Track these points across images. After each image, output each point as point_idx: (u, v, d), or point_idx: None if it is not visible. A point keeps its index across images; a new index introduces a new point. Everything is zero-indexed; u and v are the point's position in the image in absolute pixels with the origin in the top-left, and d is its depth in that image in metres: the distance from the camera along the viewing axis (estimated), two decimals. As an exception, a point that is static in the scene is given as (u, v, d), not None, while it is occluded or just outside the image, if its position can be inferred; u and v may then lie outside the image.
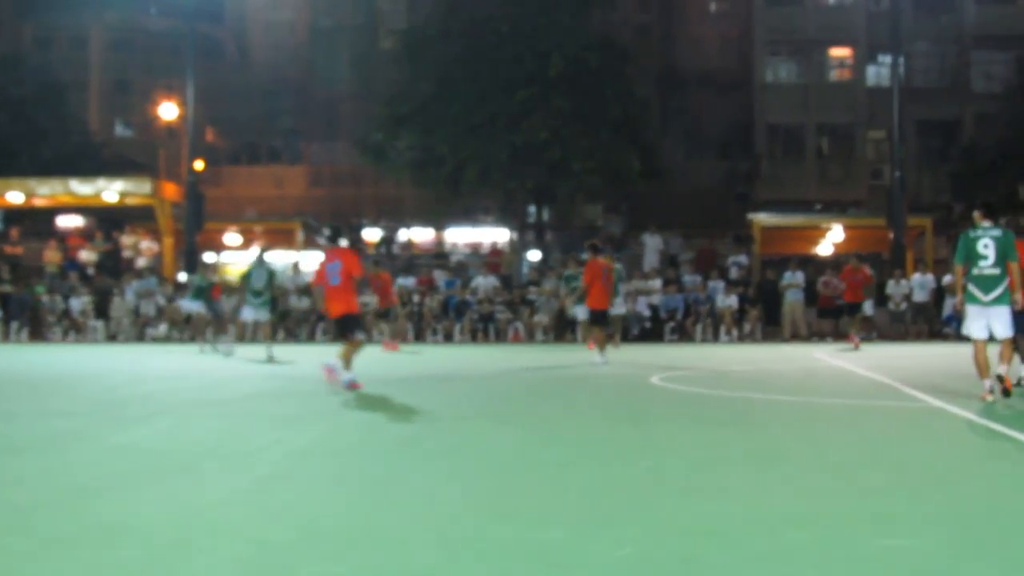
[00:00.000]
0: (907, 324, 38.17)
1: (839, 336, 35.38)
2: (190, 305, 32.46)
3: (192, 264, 41.96)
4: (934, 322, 38.12)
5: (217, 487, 8.50)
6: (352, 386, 16.62)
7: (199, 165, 49.07)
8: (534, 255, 49.09)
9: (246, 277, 27.27)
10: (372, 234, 51.25)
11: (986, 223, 14.75)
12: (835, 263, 39.47)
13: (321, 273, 17.16)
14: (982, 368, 14.75)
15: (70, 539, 6.72)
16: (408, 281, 40.57)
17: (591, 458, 10.23)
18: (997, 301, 14.47)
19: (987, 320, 14.59)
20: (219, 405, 15.21)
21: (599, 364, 23.50)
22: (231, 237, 50.47)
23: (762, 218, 47.12)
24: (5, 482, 8.86)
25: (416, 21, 53.93)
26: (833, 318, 36.87)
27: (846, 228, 47.16)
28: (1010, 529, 7.02)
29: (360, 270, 17.24)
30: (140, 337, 38.48)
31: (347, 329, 17.17)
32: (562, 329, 37.92)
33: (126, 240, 43.92)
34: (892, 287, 38.16)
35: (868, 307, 34.15)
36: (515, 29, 45.28)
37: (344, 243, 18.49)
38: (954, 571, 6.02)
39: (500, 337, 37.98)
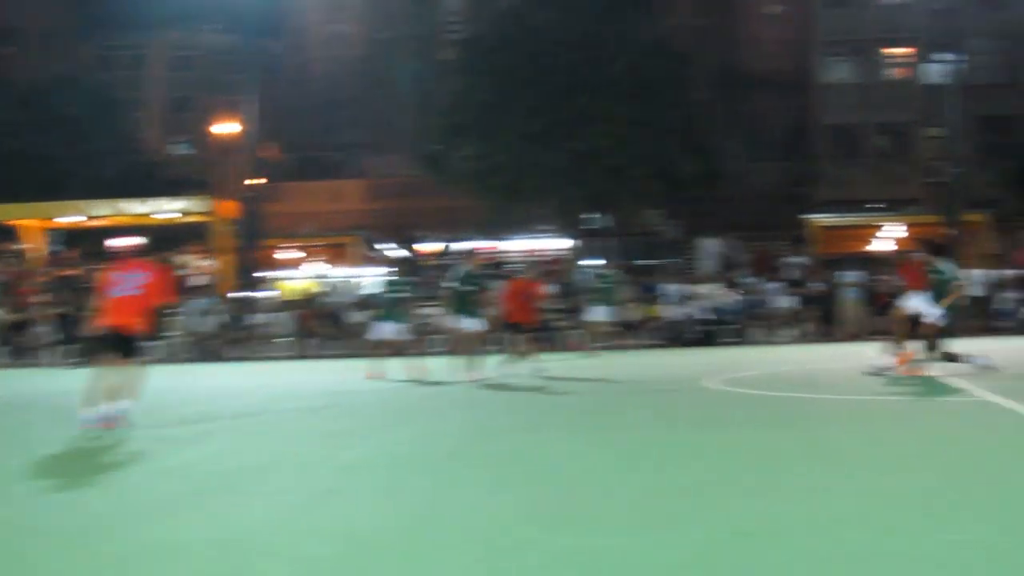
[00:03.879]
0: (965, 319, 38.01)
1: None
2: None
3: (249, 281, 42.16)
4: (989, 316, 37.93)
5: (268, 504, 8.59)
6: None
7: (257, 181, 49.35)
8: (592, 262, 49.14)
9: None
10: (430, 246, 51.37)
11: None
12: (893, 261, 39.42)
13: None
14: None
15: (122, 561, 6.82)
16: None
17: (645, 463, 10.31)
18: None
19: None
20: (271, 422, 15.32)
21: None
22: (289, 253, 50.74)
23: (819, 218, 47.07)
24: (59, 505, 9.00)
25: (475, 31, 54.00)
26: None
27: (904, 226, 47.01)
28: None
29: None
30: (198, 356, 38.72)
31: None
32: (621, 336, 38.07)
33: (184, 259, 44.10)
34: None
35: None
36: (573, 37, 45.27)
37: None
38: (1009, 564, 6.06)
39: (559, 345, 38.04)
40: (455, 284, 23.20)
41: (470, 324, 23.01)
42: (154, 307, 15.10)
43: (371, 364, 23.71)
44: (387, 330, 23.72)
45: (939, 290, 19.05)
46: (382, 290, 24.41)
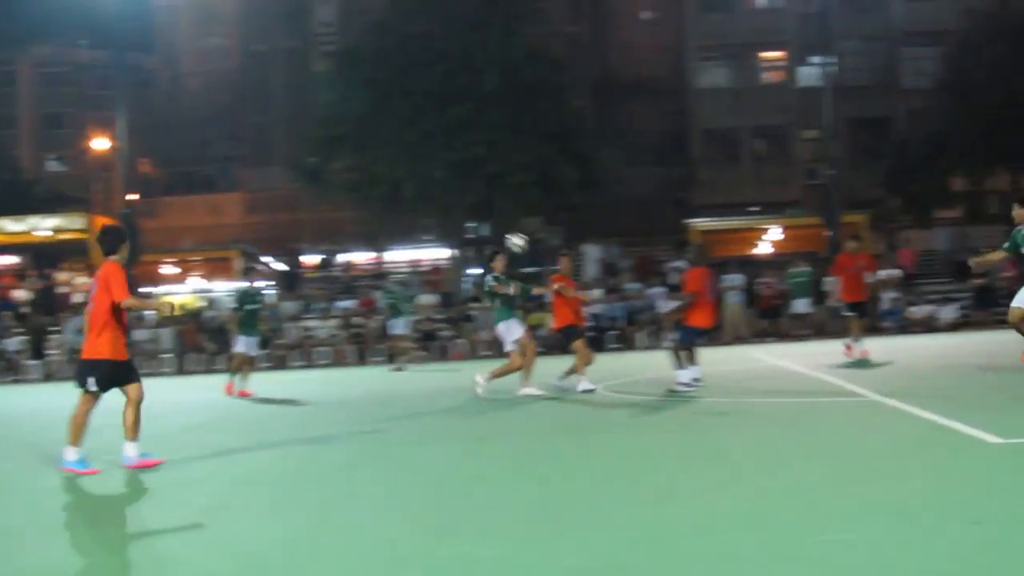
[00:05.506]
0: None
1: (781, 336, 35.81)
2: None
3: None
4: (872, 316, 38.28)
5: (156, 521, 8.46)
6: None
7: (133, 197, 48.71)
8: (474, 271, 49.07)
9: None
10: (311, 258, 51.08)
11: None
12: (773, 264, 39.84)
13: None
14: None
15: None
16: (348, 303, 40.46)
17: (533, 472, 10.25)
18: None
19: None
20: (157, 439, 14.95)
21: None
22: (168, 269, 50.20)
23: (700, 223, 47.32)
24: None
25: (348, 42, 53.73)
26: (773, 318, 37.29)
27: (783, 228, 47.46)
28: (946, 517, 7.08)
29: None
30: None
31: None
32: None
33: (61, 276, 43.42)
34: (830, 284, 38.32)
35: (802, 305, 34.43)
36: (447, 46, 45.19)
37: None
38: (892, 562, 6.04)
39: (443, 354, 37.90)
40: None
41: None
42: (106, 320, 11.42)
43: (230, 380, 23.33)
44: (241, 344, 23.03)
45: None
46: (235, 304, 23.64)
